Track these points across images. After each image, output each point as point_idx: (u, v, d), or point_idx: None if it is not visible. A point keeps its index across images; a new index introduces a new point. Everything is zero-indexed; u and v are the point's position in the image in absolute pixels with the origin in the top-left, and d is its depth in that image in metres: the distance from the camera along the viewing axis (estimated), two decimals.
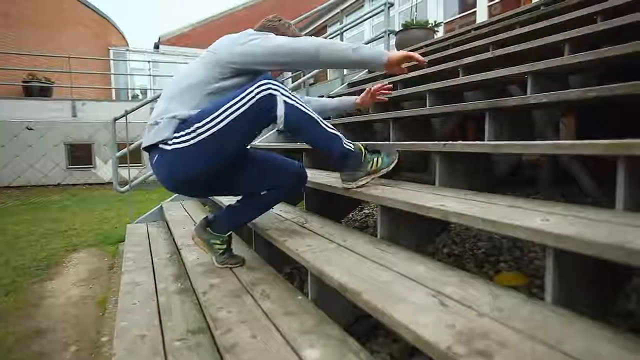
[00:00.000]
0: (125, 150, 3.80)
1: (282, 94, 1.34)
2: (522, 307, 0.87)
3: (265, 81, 1.33)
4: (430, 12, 7.36)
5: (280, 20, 1.63)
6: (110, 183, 7.33)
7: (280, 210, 2.10)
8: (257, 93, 1.32)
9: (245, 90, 1.33)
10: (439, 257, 1.85)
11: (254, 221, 1.80)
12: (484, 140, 1.77)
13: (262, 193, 1.56)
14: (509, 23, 2.94)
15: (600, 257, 0.76)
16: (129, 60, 10.93)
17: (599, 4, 2.07)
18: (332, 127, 1.46)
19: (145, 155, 8.34)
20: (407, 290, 0.98)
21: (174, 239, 2.38)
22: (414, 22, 4.98)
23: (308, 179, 1.65)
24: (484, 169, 1.61)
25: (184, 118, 1.35)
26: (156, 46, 13.98)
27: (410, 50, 1.58)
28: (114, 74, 10.18)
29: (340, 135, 1.46)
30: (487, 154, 1.56)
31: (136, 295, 1.70)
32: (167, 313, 1.51)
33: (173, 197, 3.60)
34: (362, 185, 1.56)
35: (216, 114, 1.31)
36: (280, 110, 1.33)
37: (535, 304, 0.87)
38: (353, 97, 1.98)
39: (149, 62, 10.84)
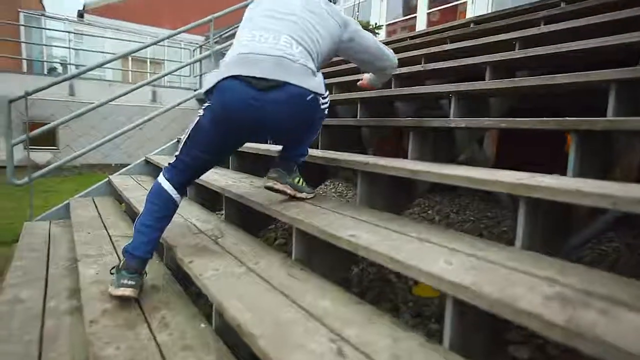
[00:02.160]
0: (24, 137, 3.25)
1: None
2: (418, 352, 0.85)
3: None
4: (374, 12, 7.43)
5: None
6: (17, 166, 6.48)
7: (197, 219, 1.96)
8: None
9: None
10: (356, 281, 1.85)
11: (164, 235, 1.64)
12: (407, 155, 1.78)
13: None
14: (441, 37, 3.02)
15: (490, 311, 0.75)
16: (45, 29, 9.63)
17: (518, 31, 2.18)
18: None
19: (63, 137, 7.50)
20: (307, 334, 0.92)
21: (74, 246, 2.11)
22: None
23: (230, 188, 1.71)
24: (404, 189, 1.61)
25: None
26: (80, 15, 12.56)
27: None
28: (24, 42, 8.93)
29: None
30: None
31: (14, 318, 1.47)
32: (51, 341, 1.32)
33: (85, 191, 3.23)
34: (279, 190, 1.56)
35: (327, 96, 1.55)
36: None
37: (432, 350, 0.86)
38: None
39: (67, 32, 9.63)
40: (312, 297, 1.12)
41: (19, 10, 9.23)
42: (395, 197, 1.58)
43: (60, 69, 10.53)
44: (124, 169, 3.51)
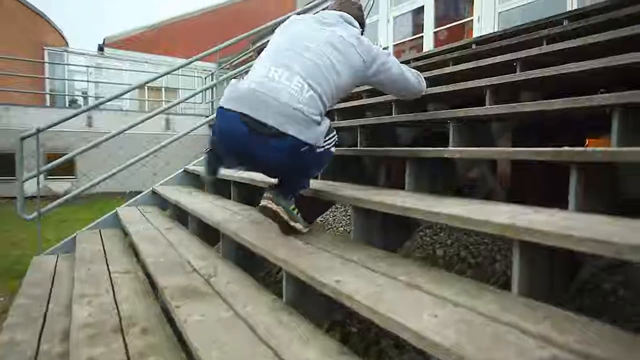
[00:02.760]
0: (34, 172, 3.30)
1: None
2: None
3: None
4: (381, 33, 7.49)
5: (363, 13, 1.77)
6: (34, 196, 6.69)
7: (194, 256, 1.93)
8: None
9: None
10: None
11: (157, 274, 1.62)
12: (404, 186, 1.72)
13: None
14: (444, 58, 2.99)
15: None
16: (67, 64, 10.10)
17: (518, 52, 2.12)
18: None
19: (81, 167, 7.76)
20: None
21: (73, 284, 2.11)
22: None
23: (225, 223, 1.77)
24: (400, 224, 1.54)
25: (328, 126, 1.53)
26: (100, 48, 13.16)
27: None
28: (48, 78, 9.38)
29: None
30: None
31: None
32: None
33: (93, 223, 3.27)
34: (273, 211, 1.54)
35: (331, 136, 1.57)
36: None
37: None
38: None
39: (87, 67, 10.03)
40: (297, 347, 1.06)
41: (44, 47, 9.75)
42: (391, 233, 1.52)
43: (81, 100, 10.97)
44: (132, 200, 3.55)
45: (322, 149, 1.51)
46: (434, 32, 6.66)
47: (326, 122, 1.52)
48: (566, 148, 1.13)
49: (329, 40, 1.49)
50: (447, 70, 2.62)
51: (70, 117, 3.63)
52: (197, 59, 4.30)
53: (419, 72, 1.86)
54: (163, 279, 1.61)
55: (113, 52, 12.00)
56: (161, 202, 3.36)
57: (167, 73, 5.06)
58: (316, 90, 1.43)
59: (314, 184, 1.91)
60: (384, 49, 5.21)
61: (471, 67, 2.30)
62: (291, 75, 1.42)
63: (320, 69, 1.45)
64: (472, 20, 5.95)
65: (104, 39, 13.06)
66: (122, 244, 2.83)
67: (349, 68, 1.50)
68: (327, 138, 1.53)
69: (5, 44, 8.36)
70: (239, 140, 1.45)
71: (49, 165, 3.58)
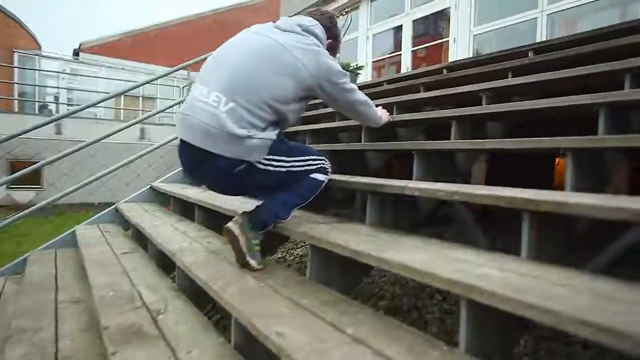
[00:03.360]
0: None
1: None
2: None
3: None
4: (360, 51, 7.57)
5: (335, 25, 1.72)
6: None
7: (147, 287, 1.82)
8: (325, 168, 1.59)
9: (321, 157, 1.60)
10: None
11: (98, 306, 1.51)
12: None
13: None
14: (415, 83, 3.00)
15: None
16: (38, 70, 9.71)
17: (483, 83, 2.14)
18: None
19: (47, 175, 7.42)
20: None
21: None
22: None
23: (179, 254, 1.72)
24: (355, 264, 1.49)
25: (270, 143, 1.43)
26: (76, 53, 12.81)
27: None
28: (16, 83, 8.99)
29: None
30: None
31: None
32: None
33: (48, 243, 3.09)
34: (235, 236, 1.47)
35: (302, 159, 1.52)
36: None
37: None
38: None
39: (58, 72, 9.69)
40: None
41: (14, 50, 9.41)
42: (349, 272, 1.47)
43: (52, 106, 10.60)
44: (94, 217, 3.39)
45: (279, 168, 1.46)
46: (412, 51, 6.77)
47: (267, 135, 1.41)
48: (518, 195, 1.11)
49: (259, 48, 1.43)
50: (417, 96, 2.62)
51: (40, 126, 3.47)
52: (178, 69, 4.22)
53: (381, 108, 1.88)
54: (106, 317, 1.50)
55: (89, 57, 11.70)
56: (124, 221, 3.22)
57: (147, 82, 4.91)
58: (238, 102, 1.36)
59: None
60: (358, 68, 5.22)
61: (438, 94, 2.31)
62: (210, 91, 1.39)
63: (243, 80, 1.39)
64: (448, 41, 6.07)
65: (80, 44, 12.74)
66: (77, 267, 2.67)
67: (290, 76, 1.41)
68: (285, 157, 1.47)
69: None
70: (188, 163, 1.50)
71: (12, 176, 3.38)
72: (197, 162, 1.43)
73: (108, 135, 3.63)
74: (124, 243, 2.76)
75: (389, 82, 3.50)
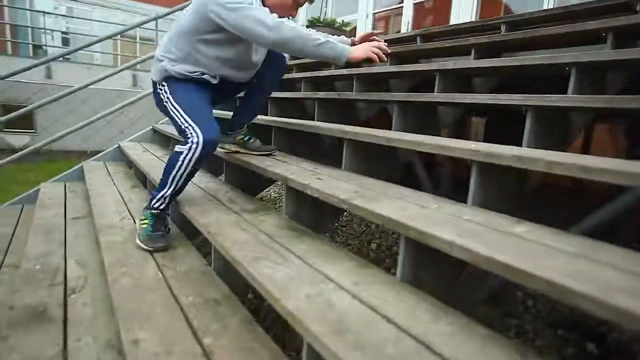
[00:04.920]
0: None
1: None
2: None
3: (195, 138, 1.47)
4: (360, 2, 7.26)
5: None
6: None
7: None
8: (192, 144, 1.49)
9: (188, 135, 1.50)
10: None
11: None
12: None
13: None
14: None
15: None
16: (30, 10, 9.28)
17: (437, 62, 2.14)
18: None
19: (41, 121, 7.39)
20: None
21: None
22: (321, 19, 4.58)
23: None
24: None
25: (168, 71, 1.64)
26: None
27: None
28: (7, 23, 8.64)
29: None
30: None
31: None
32: None
33: (60, 175, 3.18)
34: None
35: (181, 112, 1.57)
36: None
37: None
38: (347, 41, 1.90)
39: (50, 13, 9.27)
40: None
41: None
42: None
43: (47, 48, 10.28)
44: (100, 155, 3.50)
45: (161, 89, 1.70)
46: (415, 3, 6.51)
47: (169, 66, 1.63)
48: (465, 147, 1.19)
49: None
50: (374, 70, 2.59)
51: (28, 69, 3.48)
52: (175, 11, 4.10)
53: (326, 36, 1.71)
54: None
55: None
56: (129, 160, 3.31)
57: (139, 25, 4.75)
58: (164, 40, 1.68)
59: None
60: (344, 25, 4.95)
61: (394, 70, 2.37)
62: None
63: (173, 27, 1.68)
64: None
65: None
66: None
67: (193, 11, 1.57)
68: (172, 96, 1.64)
69: None
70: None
71: (3, 117, 3.43)
72: None
73: (98, 80, 3.68)
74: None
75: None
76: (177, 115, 1.55)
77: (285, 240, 1.31)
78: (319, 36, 1.54)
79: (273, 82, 1.94)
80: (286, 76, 2.57)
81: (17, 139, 6.69)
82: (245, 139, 1.96)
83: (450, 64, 2.00)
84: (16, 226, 2.51)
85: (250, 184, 2.11)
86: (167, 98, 1.63)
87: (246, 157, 1.88)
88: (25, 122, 6.82)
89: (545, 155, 1.02)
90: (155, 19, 4.63)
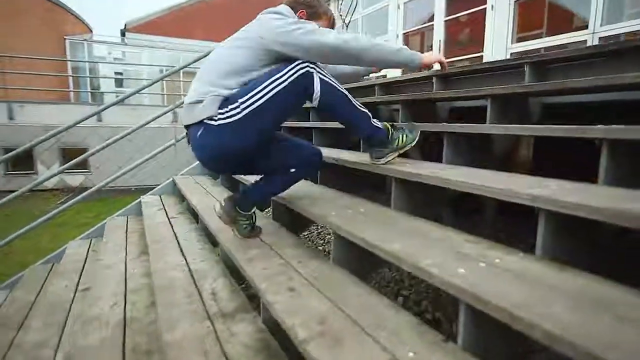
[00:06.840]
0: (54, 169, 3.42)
1: (319, 72, 1.42)
2: None
3: (303, 61, 1.39)
4: (390, 22, 7.16)
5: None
6: (53, 189, 6.82)
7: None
8: (296, 71, 1.38)
9: (285, 68, 1.39)
10: None
11: None
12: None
13: (287, 170, 1.62)
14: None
15: None
16: (87, 62, 10.11)
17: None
18: (362, 105, 1.53)
19: (93, 161, 7.94)
20: None
21: None
22: None
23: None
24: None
25: (227, 96, 1.40)
26: (122, 33, 13.38)
27: None
28: (70, 76, 9.53)
29: (369, 113, 1.54)
30: None
31: None
32: None
33: (121, 211, 3.39)
34: (389, 162, 1.62)
35: (259, 89, 1.37)
36: (317, 87, 1.41)
37: None
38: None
39: (102, 62, 9.98)
40: None
41: (65, 37, 9.99)
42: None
43: (104, 96, 11.19)
44: (156, 189, 3.72)
45: (224, 118, 1.39)
46: (445, 21, 6.29)
47: (221, 92, 1.42)
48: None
49: (239, 33, 1.53)
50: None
51: (86, 119, 3.73)
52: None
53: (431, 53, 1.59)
54: None
55: (134, 37, 12.14)
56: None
57: (180, 69, 4.92)
58: (205, 80, 1.46)
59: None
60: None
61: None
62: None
63: (213, 64, 1.50)
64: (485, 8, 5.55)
65: (125, 24, 13.29)
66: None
67: (242, 47, 1.46)
68: (232, 105, 1.39)
69: (25, 37, 8.61)
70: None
71: (70, 162, 3.83)
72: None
73: (146, 123, 3.93)
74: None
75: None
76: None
77: None
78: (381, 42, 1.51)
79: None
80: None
81: (73, 179, 7.29)
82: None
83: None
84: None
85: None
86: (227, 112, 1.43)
87: None
88: (81, 163, 7.39)
89: None
90: (205, 56, 4.82)
